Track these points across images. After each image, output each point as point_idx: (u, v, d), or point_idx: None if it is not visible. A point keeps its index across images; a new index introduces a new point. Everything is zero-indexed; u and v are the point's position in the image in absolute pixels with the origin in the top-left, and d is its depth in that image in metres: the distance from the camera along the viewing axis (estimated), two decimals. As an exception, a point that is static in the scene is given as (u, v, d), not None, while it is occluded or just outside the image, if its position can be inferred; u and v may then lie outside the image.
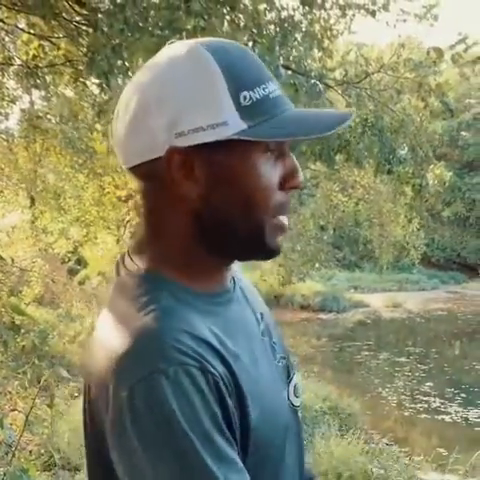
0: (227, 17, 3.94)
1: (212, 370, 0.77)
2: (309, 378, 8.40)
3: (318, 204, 10.82)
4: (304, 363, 12.37)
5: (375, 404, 9.36)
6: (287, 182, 0.85)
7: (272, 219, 0.86)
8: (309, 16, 5.48)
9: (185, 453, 0.73)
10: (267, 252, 0.90)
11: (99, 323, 0.88)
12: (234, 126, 0.80)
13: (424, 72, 6.05)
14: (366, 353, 14.06)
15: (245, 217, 0.84)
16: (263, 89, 0.82)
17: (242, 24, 4.17)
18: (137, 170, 0.86)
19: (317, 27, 5.70)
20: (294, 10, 5.19)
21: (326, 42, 5.71)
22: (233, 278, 0.96)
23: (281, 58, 4.88)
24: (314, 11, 5.41)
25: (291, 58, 5.36)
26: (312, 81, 5.00)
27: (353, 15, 5.85)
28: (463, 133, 41.02)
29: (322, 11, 5.65)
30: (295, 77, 5.21)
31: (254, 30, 4.28)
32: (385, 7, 5.57)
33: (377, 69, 6.06)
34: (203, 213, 0.84)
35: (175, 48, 0.86)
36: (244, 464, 0.78)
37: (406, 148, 7.84)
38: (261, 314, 0.99)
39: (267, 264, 14.00)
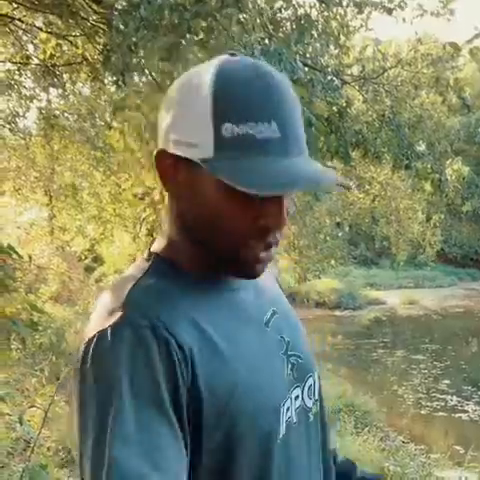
0: (236, 17, 3.92)
1: (168, 337, 0.81)
2: (324, 376, 8.38)
3: (334, 201, 10.79)
4: (319, 360, 12.35)
5: (391, 402, 9.31)
6: (264, 221, 0.85)
7: (245, 248, 0.88)
8: (326, 13, 5.45)
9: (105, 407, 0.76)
10: (243, 274, 0.92)
11: None
12: (203, 151, 0.83)
13: (442, 67, 6.00)
14: (382, 350, 14.01)
15: (217, 237, 0.88)
16: (251, 127, 0.81)
17: (251, 24, 4.16)
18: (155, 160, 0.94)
19: (334, 24, 5.66)
20: (311, 7, 5.18)
21: (343, 39, 5.67)
22: None
23: (298, 55, 4.86)
24: (331, 8, 5.38)
25: (308, 55, 5.34)
26: (329, 77, 4.98)
27: (369, 12, 5.83)
28: (481, 129, 40.64)
29: (339, 8, 5.61)
30: (312, 73, 5.19)
31: (269, 27, 4.27)
32: (401, 5, 5.52)
33: (394, 64, 6.01)
34: (185, 214, 0.91)
35: (204, 64, 0.90)
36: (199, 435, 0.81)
37: (424, 143, 7.80)
38: (274, 310, 1.02)
39: (283, 262, 13.98)
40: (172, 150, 0.87)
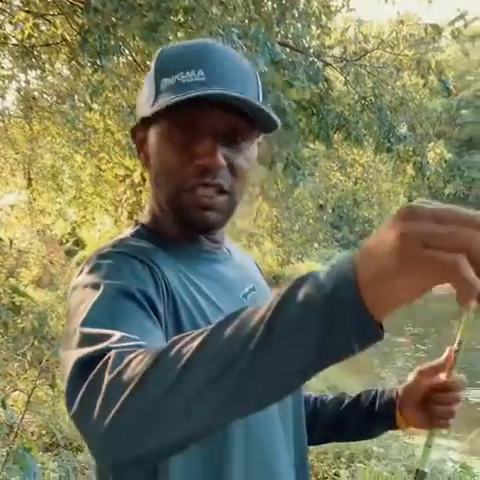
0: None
1: (156, 269, 0.88)
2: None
3: (317, 183, 10.80)
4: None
5: (374, 384, 9.37)
6: (198, 159, 0.93)
7: (187, 192, 0.95)
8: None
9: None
10: (190, 223, 0.98)
11: None
12: (150, 108, 0.95)
13: (424, 48, 5.98)
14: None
15: (163, 189, 0.98)
16: (179, 76, 0.92)
17: (232, 5, 4.12)
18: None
19: (315, 4, 5.63)
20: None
21: (324, 19, 5.64)
22: (229, 250, 1.09)
23: (279, 36, 4.82)
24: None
25: (289, 35, 5.30)
26: (310, 59, 4.94)
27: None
28: (463, 111, 40.85)
29: (320, -13, 5.59)
30: (294, 55, 5.16)
31: (251, 7, 4.23)
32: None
33: (376, 46, 5.99)
34: (153, 180, 1.00)
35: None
36: None
37: (406, 126, 7.79)
38: (252, 287, 1.07)
39: (267, 244, 13.95)
40: (137, 121, 1.01)
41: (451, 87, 6.63)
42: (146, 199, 11.01)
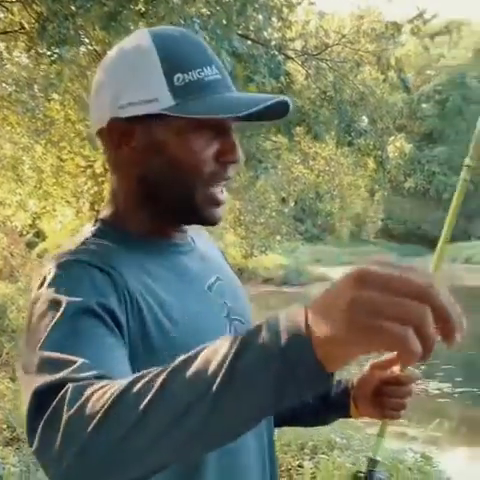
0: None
1: (115, 275, 0.87)
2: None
3: (279, 176, 10.83)
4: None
5: (339, 376, 9.44)
6: (222, 156, 0.94)
7: (203, 189, 0.95)
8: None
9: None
10: (201, 220, 0.99)
11: None
12: (164, 103, 0.91)
13: (384, 44, 6.05)
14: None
15: (175, 184, 0.95)
16: (198, 72, 0.92)
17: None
18: (98, 137, 1.00)
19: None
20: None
21: (285, 12, 5.65)
22: (193, 240, 1.08)
23: (240, 28, 4.82)
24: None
25: (251, 28, 5.31)
26: (271, 52, 4.96)
27: (312, -15, 5.82)
28: (423, 105, 41.46)
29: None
30: (255, 47, 5.16)
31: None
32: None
33: (337, 41, 6.03)
34: (144, 178, 0.96)
35: (131, 35, 1.01)
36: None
37: (366, 120, 7.87)
38: (217, 277, 1.06)
39: (230, 237, 13.98)
40: (126, 114, 0.93)
41: (410, 85, 6.73)
42: (106, 190, 10.87)
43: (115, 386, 0.63)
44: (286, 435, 5.08)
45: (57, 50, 3.84)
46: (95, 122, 0.99)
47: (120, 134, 0.94)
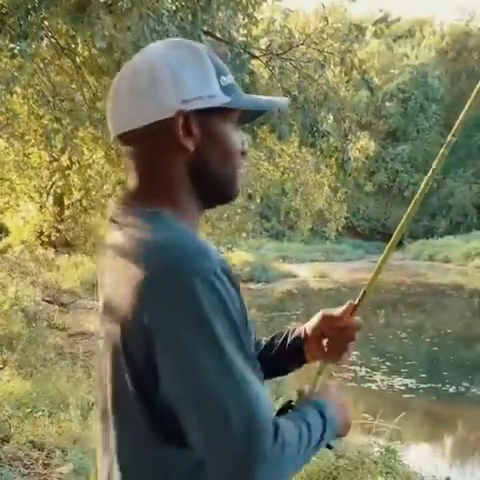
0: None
1: (234, 278, 1.03)
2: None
3: (245, 172, 10.83)
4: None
5: (303, 373, 9.49)
6: (242, 147, 1.19)
7: (239, 170, 1.18)
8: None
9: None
10: (235, 195, 1.21)
11: (108, 276, 1.12)
12: (220, 99, 1.12)
13: (348, 44, 6.09)
14: (295, 323, 14.32)
15: (226, 166, 1.15)
16: (229, 78, 1.15)
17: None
18: (134, 133, 1.11)
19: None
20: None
21: (250, 9, 5.67)
22: None
23: (205, 25, 4.82)
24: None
25: (216, 25, 5.30)
26: (236, 50, 4.96)
27: (278, -19, 5.82)
28: (387, 104, 41.95)
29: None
30: (220, 45, 5.16)
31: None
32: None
33: (301, 41, 6.04)
34: (196, 163, 1.12)
35: (176, 41, 1.19)
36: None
37: (330, 121, 7.90)
38: None
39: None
40: (191, 107, 1.09)
41: (373, 86, 6.79)
42: (73, 183, 10.79)
43: (285, 436, 1.02)
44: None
45: (18, 44, 3.78)
46: (140, 118, 1.10)
47: (183, 125, 1.09)
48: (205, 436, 0.96)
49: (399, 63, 42.58)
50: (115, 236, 1.11)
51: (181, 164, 1.12)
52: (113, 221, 1.13)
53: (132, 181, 1.15)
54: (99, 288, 1.18)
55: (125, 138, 1.14)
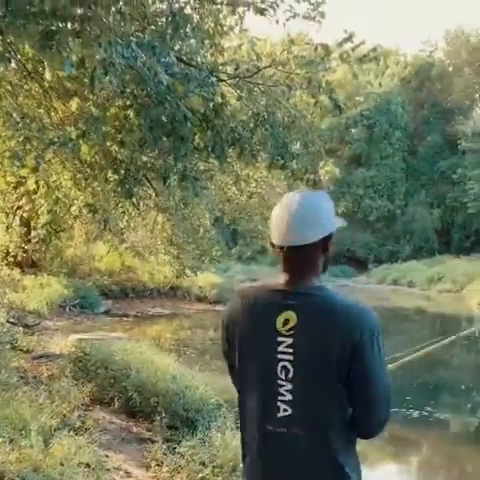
0: (114, 7, 3.89)
1: None
2: (206, 371, 8.41)
3: (213, 197, 10.90)
4: (201, 355, 12.38)
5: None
6: None
7: None
8: (200, 10, 5.54)
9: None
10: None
11: (311, 311, 1.90)
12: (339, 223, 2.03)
13: (314, 69, 6.18)
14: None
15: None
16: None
17: (128, 15, 4.13)
18: (308, 244, 1.92)
19: (208, 22, 5.75)
20: (185, 3, 5.21)
21: (217, 38, 5.78)
22: None
23: (173, 50, 4.88)
24: (205, 5, 5.46)
25: (183, 51, 5.37)
26: (204, 74, 5.03)
27: (243, 12, 5.94)
28: (352, 130, 42.68)
29: (213, 6, 5.69)
30: (188, 69, 5.23)
31: (142, 21, 4.26)
32: (273, 6, 5.66)
33: (268, 64, 6.14)
34: (325, 258, 2.01)
35: (315, 193, 2.05)
36: None
37: (298, 144, 7.99)
38: None
39: (163, 256, 13.89)
40: (333, 229, 1.97)
41: (342, 105, 6.90)
42: (40, 206, 10.67)
43: None
44: (219, 458, 5.08)
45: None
46: (313, 236, 1.90)
47: (324, 241, 1.95)
48: None
49: (363, 90, 43.49)
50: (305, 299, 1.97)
51: (322, 261, 2.00)
52: (292, 287, 2.00)
53: (302, 267, 1.99)
54: None
55: (303, 245, 1.92)
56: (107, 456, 5.38)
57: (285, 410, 1.82)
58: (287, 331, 1.83)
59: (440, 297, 29.55)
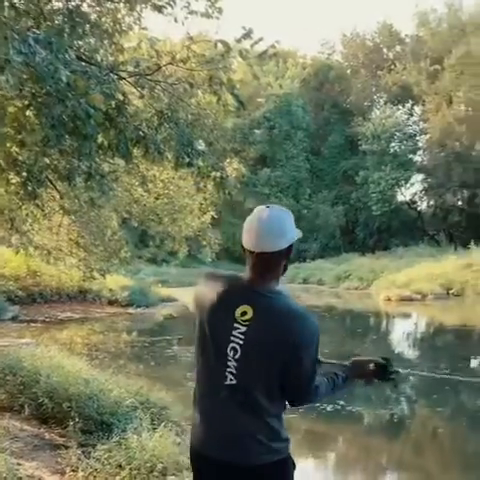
0: (6, 3, 3.80)
1: None
2: (120, 374, 8.33)
3: (119, 198, 10.77)
4: (114, 359, 12.23)
5: (187, 397, 9.37)
6: None
7: None
8: (98, 8, 5.50)
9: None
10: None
11: (261, 310, 2.35)
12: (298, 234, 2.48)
13: (215, 66, 6.20)
14: (176, 347, 14.28)
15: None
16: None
17: (23, 10, 4.05)
18: (276, 251, 2.35)
19: (107, 21, 5.71)
20: (82, 1, 5.16)
21: (117, 36, 5.74)
22: None
23: (72, 48, 4.81)
24: (102, 3, 5.42)
25: (82, 49, 5.31)
26: (104, 72, 4.98)
27: (141, 10, 5.92)
28: (255, 131, 43.29)
29: (110, 4, 5.66)
30: (88, 67, 5.16)
31: (38, 17, 4.18)
32: (170, 3, 5.67)
33: (168, 62, 6.14)
34: (286, 263, 2.45)
35: (279, 208, 2.45)
36: None
37: (203, 142, 8.02)
38: None
39: (70, 259, 13.54)
40: (294, 240, 2.42)
41: (244, 101, 6.97)
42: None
43: (319, 386, 2.50)
44: (136, 460, 5.07)
45: None
46: (279, 245, 2.34)
47: (287, 250, 2.38)
48: None
49: (264, 92, 44.18)
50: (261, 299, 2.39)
51: (281, 267, 2.44)
52: (253, 289, 2.41)
53: (265, 271, 2.42)
54: None
55: (271, 252, 2.36)
56: (19, 464, 5.24)
57: (231, 379, 2.32)
58: (243, 321, 2.31)
59: (349, 294, 30.63)
